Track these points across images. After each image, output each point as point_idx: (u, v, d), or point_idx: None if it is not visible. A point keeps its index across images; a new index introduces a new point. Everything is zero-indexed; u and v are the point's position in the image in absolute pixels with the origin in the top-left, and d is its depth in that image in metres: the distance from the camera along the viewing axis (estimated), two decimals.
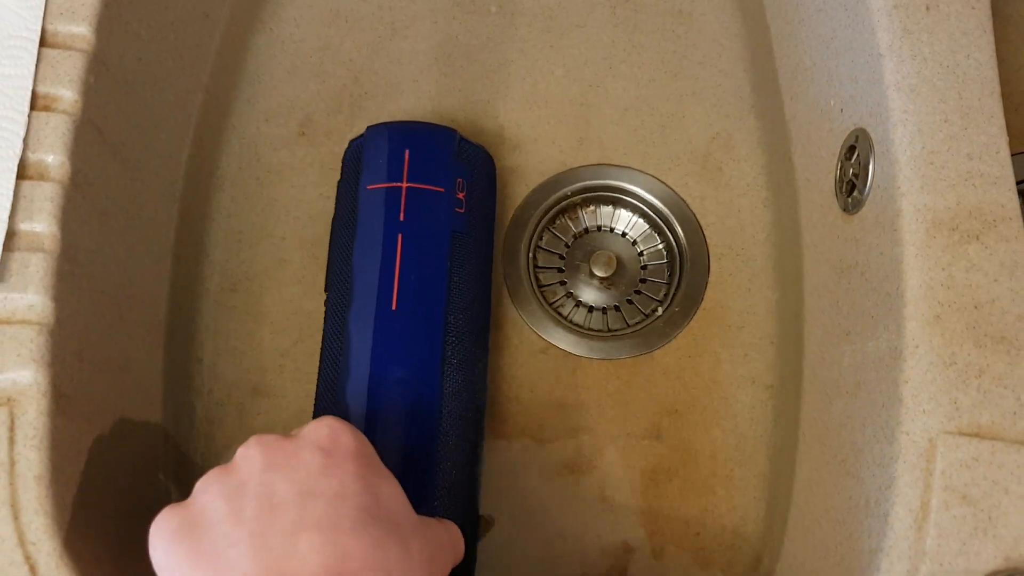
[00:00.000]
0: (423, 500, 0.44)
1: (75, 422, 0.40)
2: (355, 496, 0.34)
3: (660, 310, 0.57)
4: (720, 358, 0.56)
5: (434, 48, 0.62)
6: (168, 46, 0.52)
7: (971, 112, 0.43)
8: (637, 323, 0.57)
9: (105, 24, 0.45)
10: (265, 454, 0.34)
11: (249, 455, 0.35)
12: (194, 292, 0.55)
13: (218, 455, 0.53)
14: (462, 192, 0.50)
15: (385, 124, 0.53)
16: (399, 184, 0.50)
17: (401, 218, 0.49)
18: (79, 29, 0.44)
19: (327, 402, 0.47)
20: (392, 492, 0.36)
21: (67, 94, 0.43)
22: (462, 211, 0.50)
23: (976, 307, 0.40)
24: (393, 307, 0.47)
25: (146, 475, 0.48)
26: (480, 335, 0.50)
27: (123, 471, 0.45)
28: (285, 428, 0.54)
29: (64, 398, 0.39)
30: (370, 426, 0.46)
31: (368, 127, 0.53)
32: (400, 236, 0.49)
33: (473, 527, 0.47)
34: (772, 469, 0.53)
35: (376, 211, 0.49)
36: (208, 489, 0.34)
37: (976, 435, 0.38)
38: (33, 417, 0.38)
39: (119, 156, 0.46)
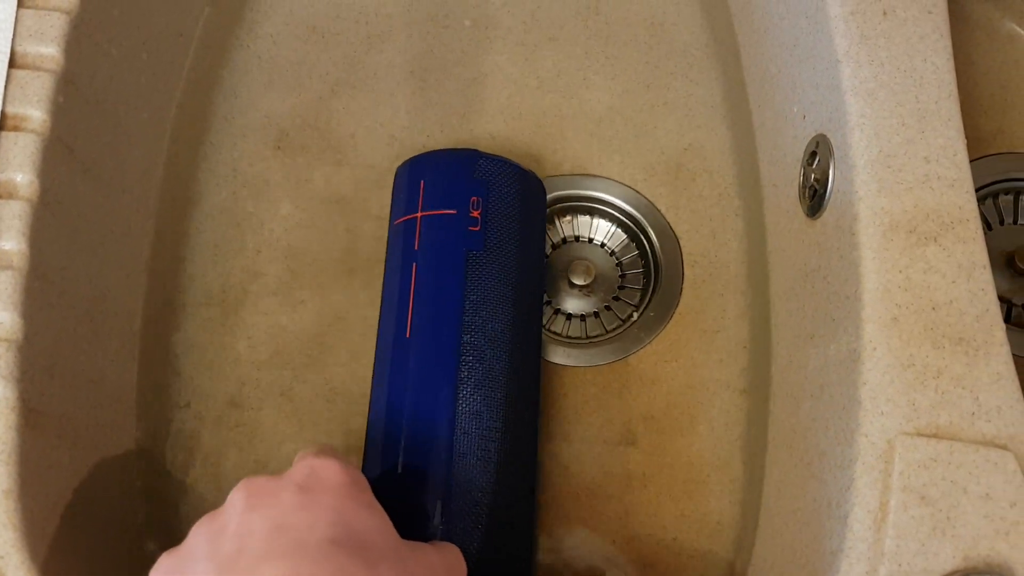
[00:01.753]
0: (432, 520, 0.44)
1: (45, 437, 0.41)
2: (326, 527, 0.34)
3: (635, 316, 0.58)
4: (694, 363, 0.56)
5: (409, 62, 0.63)
6: (140, 65, 0.52)
7: (928, 115, 0.43)
8: (613, 329, 0.58)
9: (74, 45, 0.46)
10: (247, 496, 0.36)
11: (235, 498, 0.36)
12: (170, 306, 0.56)
13: (196, 468, 0.53)
14: (477, 210, 0.51)
15: (410, 159, 0.55)
16: (415, 215, 0.51)
17: (416, 247, 0.50)
18: (48, 50, 0.45)
19: (369, 431, 0.49)
20: (369, 522, 0.36)
21: (36, 114, 0.43)
22: (476, 229, 0.50)
23: (934, 308, 0.40)
24: (407, 335, 0.49)
25: (121, 489, 0.48)
26: (512, 350, 0.49)
27: (97, 485, 0.45)
28: (263, 440, 0.54)
29: (34, 413, 0.40)
30: (387, 452, 0.47)
31: (399, 166, 0.55)
32: (415, 265, 0.50)
33: (512, 550, 0.46)
34: (745, 473, 0.53)
35: (397, 244, 0.52)
36: (197, 532, 0.36)
37: (934, 436, 0.38)
38: (2, 432, 0.38)
39: (91, 174, 0.47)
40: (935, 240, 0.41)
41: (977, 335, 0.39)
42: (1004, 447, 0.38)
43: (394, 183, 0.55)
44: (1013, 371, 0.39)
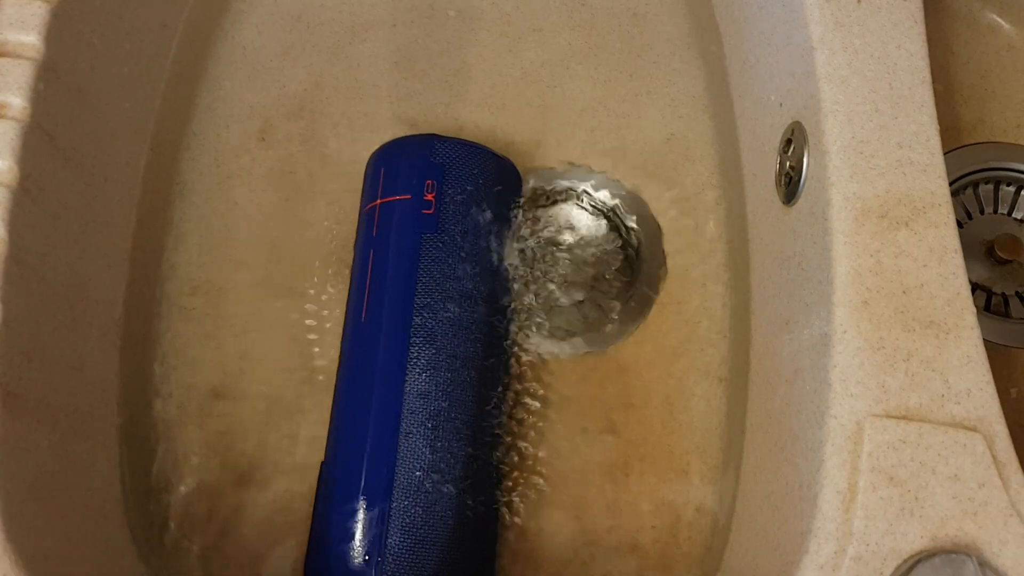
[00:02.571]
0: (377, 497, 0.45)
1: (23, 420, 0.41)
2: None
3: (617, 306, 0.58)
4: (675, 352, 0.56)
5: (394, 52, 0.63)
6: (123, 55, 0.53)
7: (901, 101, 0.43)
8: (594, 320, 0.58)
9: (55, 33, 0.46)
10: None
11: None
12: (152, 295, 0.56)
13: (178, 457, 0.54)
14: (431, 194, 0.51)
15: (377, 148, 0.55)
16: (375, 203, 0.52)
17: (374, 234, 0.51)
18: (28, 38, 0.45)
19: (332, 413, 0.50)
20: None
21: (15, 101, 0.44)
22: (430, 212, 0.51)
23: (905, 292, 0.40)
24: (363, 318, 0.50)
25: (103, 475, 0.48)
26: (467, 332, 0.50)
27: (77, 471, 0.45)
28: (245, 429, 0.55)
29: (11, 396, 0.40)
30: (340, 433, 0.48)
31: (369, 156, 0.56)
32: (372, 251, 0.51)
33: (460, 530, 0.47)
34: (723, 460, 0.53)
35: (360, 233, 0.53)
36: None
37: (904, 417, 0.38)
38: None
39: (72, 162, 0.47)
40: (907, 225, 0.41)
41: (948, 318, 0.40)
42: (973, 429, 0.38)
43: (364, 174, 0.55)
44: (983, 354, 0.39)
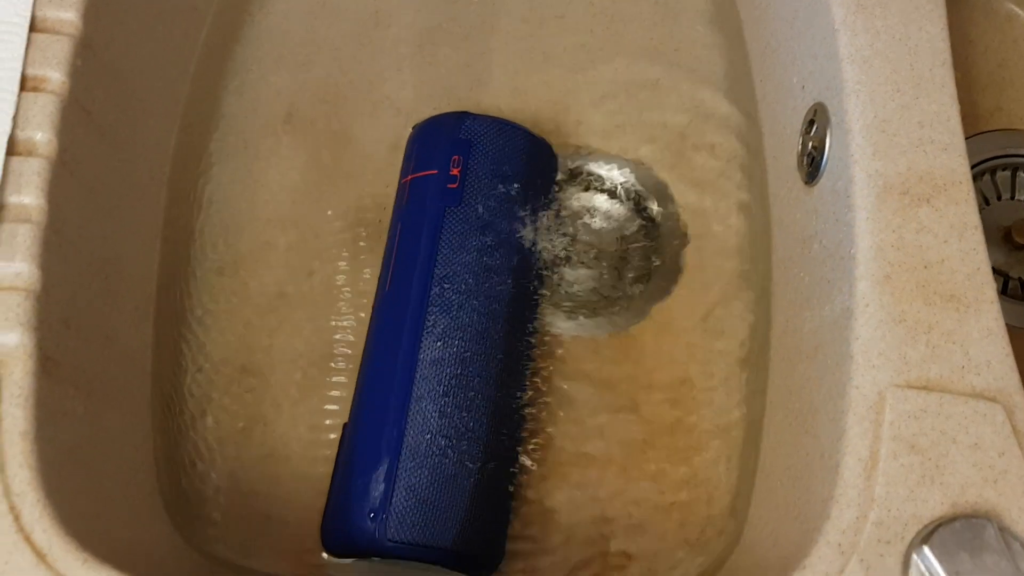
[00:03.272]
0: (387, 457, 0.47)
1: (61, 385, 0.42)
2: None
3: (638, 288, 0.59)
4: (696, 334, 0.57)
5: (417, 37, 0.64)
6: (156, 35, 0.54)
7: (922, 82, 0.44)
8: (616, 301, 0.59)
9: (92, 11, 0.47)
10: None
11: None
12: (182, 273, 0.57)
13: (207, 430, 0.54)
14: (456, 168, 0.52)
15: (416, 125, 0.57)
16: (407, 178, 0.54)
17: (404, 207, 0.54)
18: (67, 15, 0.46)
19: (357, 379, 0.52)
20: None
21: (55, 75, 0.45)
22: (455, 186, 0.52)
23: (926, 267, 0.41)
24: (387, 288, 0.52)
25: (134, 444, 0.49)
26: (485, 303, 0.51)
27: (110, 436, 0.46)
28: (273, 404, 0.55)
29: (50, 361, 0.41)
30: (359, 396, 0.50)
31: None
32: (400, 224, 0.53)
33: (469, 498, 0.48)
34: (744, 438, 0.54)
35: (394, 209, 0.55)
36: None
37: (925, 388, 0.39)
38: (19, 377, 0.40)
39: (107, 137, 0.48)
40: (928, 201, 0.42)
41: (968, 292, 0.40)
42: (993, 399, 0.39)
43: (404, 149, 0.57)
44: (1003, 327, 0.40)
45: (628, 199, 0.61)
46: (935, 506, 0.37)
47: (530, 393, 0.54)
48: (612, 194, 0.61)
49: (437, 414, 0.48)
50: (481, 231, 0.52)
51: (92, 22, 0.47)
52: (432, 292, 0.50)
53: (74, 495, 0.41)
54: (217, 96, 0.61)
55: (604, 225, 0.61)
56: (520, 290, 0.53)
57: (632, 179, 0.61)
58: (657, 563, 0.52)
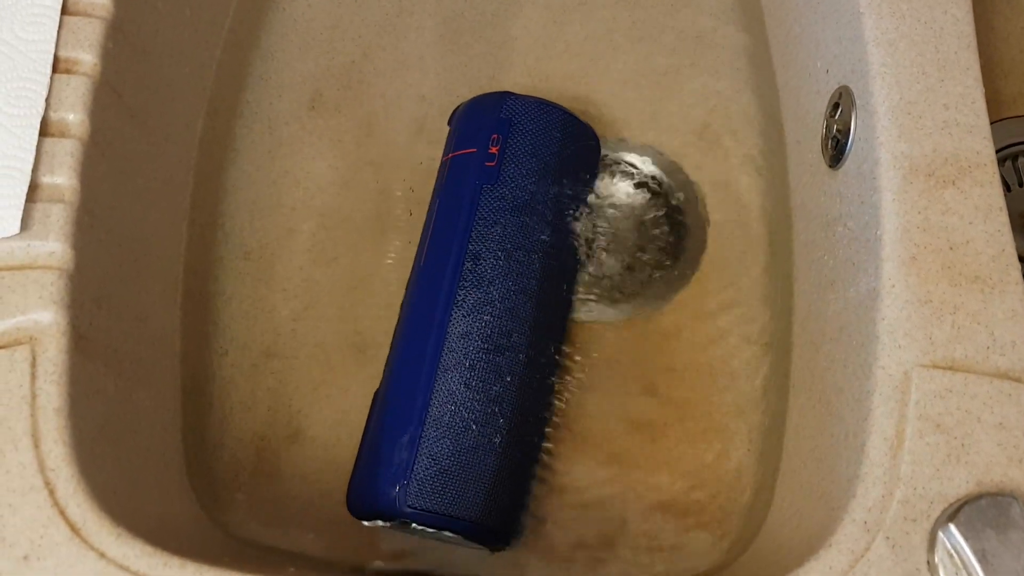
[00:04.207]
0: (411, 425, 0.48)
1: (93, 363, 0.43)
2: None
3: (659, 274, 0.59)
4: (717, 319, 0.57)
5: (440, 25, 0.64)
6: (184, 20, 0.54)
7: (947, 64, 0.44)
8: (637, 287, 0.59)
9: None
10: None
11: None
12: (209, 257, 0.57)
13: (234, 413, 0.55)
14: (495, 147, 0.53)
15: (459, 104, 0.58)
16: (448, 156, 0.56)
17: (443, 184, 0.55)
18: None
19: (390, 349, 0.53)
20: None
21: (87, 58, 0.45)
22: (492, 164, 0.53)
23: (951, 248, 0.41)
24: (422, 262, 0.53)
25: (163, 423, 0.50)
26: (515, 281, 0.51)
27: (141, 414, 0.47)
28: (297, 387, 0.56)
29: (83, 339, 0.42)
30: (390, 365, 0.52)
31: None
32: (438, 200, 0.54)
33: (490, 471, 0.48)
34: (765, 422, 0.54)
35: (435, 186, 0.56)
36: None
37: (950, 368, 0.39)
38: (53, 355, 0.40)
39: (137, 120, 0.49)
40: (953, 183, 0.42)
41: (993, 274, 0.41)
42: (1018, 380, 0.39)
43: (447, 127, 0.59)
44: None
45: (649, 185, 0.61)
46: (960, 484, 0.38)
47: (557, 372, 0.55)
48: (633, 180, 0.61)
49: (463, 386, 0.48)
50: (515, 210, 0.52)
51: (123, 5, 0.47)
52: (464, 267, 0.51)
53: (107, 471, 0.41)
54: (242, 82, 0.62)
55: (626, 212, 0.61)
56: (553, 270, 0.54)
57: (654, 166, 0.61)
58: (680, 545, 0.52)
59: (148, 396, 0.48)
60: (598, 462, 0.54)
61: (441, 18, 0.65)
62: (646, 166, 0.61)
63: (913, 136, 0.43)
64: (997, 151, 0.57)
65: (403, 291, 0.57)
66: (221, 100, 0.59)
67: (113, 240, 0.46)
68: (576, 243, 0.56)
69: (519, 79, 0.63)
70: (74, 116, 0.44)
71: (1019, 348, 0.39)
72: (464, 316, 0.50)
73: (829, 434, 0.43)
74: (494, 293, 0.50)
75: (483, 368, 0.49)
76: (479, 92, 0.63)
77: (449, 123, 0.58)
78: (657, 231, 0.60)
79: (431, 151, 0.61)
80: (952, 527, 0.36)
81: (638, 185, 0.61)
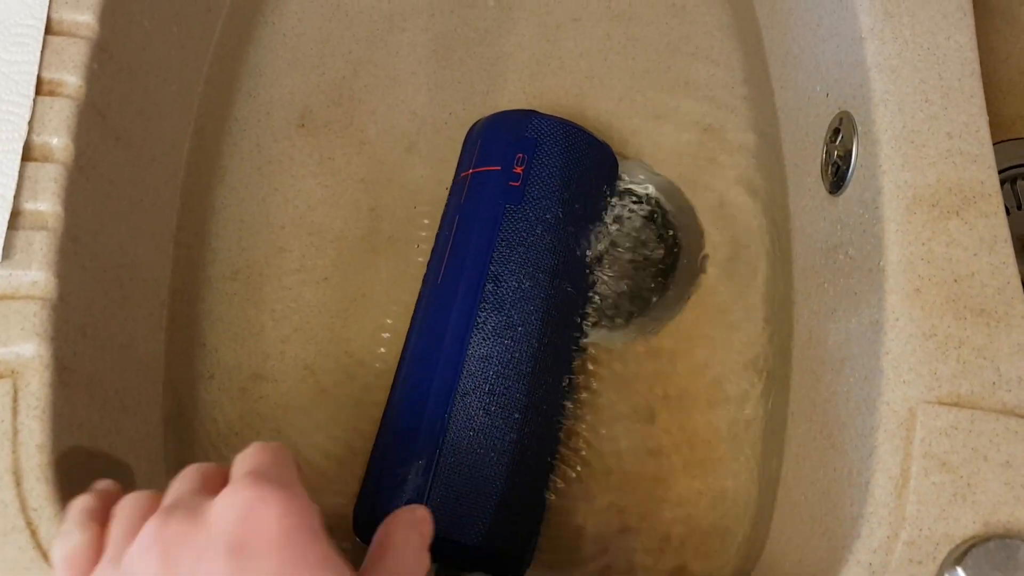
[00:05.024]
0: (427, 449, 0.46)
1: (77, 395, 0.41)
2: None
3: (655, 297, 0.58)
4: (714, 343, 0.56)
5: (432, 41, 0.63)
6: (171, 37, 0.53)
7: (951, 92, 0.43)
8: (632, 310, 0.58)
9: (109, 13, 0.46)
10: (161, 554, 0.28)
11: (144, 547, 0.29)
12: (195, 278, 0.56)
13: (220, 438, 0.54)
14: (520, 167, 0.52)
15: (478, 120, 0.57)
16: (468, 172, 0.54)
17: (462, 201, 0.53)
18: (83, 17, 0.45)
19: (397, 368, 0.52)
20: None
21: (71, 79, 0.44)
22: (517, 184, 0.52)
23: (956, 281, 0.40)
24: (439, 281, 0.51)
25: (148, 452, 0.49)
26: (537, 305, 0.50)
27: (125, 446, 0.46)
28: (286, 411, 0.55)
29: (67, 371, 0.41)
30: (402, 385, 0.50)
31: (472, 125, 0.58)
32: (457, 218, 0.53)
33: (506, 497, 0.47)
34: (763, 450, 0.53)
35: (451, 200, 0.55)
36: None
37: (956, 404, 0.39)
38: (36, 388, 0.39)
39: (122, 141, 0.48)
40: (957, 214, 0.41)
41: (998, 307, 0.40)
42: None
43: (463, 143, 0.58)
44: None
45: (645, 206, 0.60)
46: (967, 525, 0.37)
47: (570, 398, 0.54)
48: (627, 201, 0.61)
49: (482, 411, 0.47)
50: (539, 232, 0.51)
51: (108, 24, 0.46)
52: (485, 289, 0.49)
53: None
54: (230, 99, 0.60)
55: (622, 232, 0.60)
56: (571, 296, 0.53)
57: (649, 186, 0.60)
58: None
59: (133, 425, 0.47)
60: (595, 493, 0.53)
61: (433, 34, 0.64)
62: (641, 186, 0.60)
63: (916, 165, 0.42)
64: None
65: (397, 310, 0.57)
66: (208, 117, 0.58)
67: (98, 266, 0.45)
68: (589, 268, 0.55)
69: (513, 96, 0.62)
70: (58, 140, 0.43)
71: None
72: (484, 339, 0.48)
73: (831, 468, 0.43)
74: (515, 317, 0.49)
75: (502, 394, 0.48)
76: (472, 109, 0.62)
77: (467, 137, 0.57)
78: (653, 253, 0.60)
79: (423, 168, 0.61)
80: (959, 570, 0.35)
81: (633, 204, 0.60)
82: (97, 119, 0.45)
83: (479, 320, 0.48)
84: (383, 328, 0.57)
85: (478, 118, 0.60)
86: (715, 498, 0.53)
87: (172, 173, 0.54)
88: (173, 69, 0.53)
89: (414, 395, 0.49)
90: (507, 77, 0.63)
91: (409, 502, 0.45)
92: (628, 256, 0.59)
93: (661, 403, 0.55)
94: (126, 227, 0.48)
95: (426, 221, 0.59)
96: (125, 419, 0.46)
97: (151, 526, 0.29)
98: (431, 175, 0.60)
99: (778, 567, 0.46)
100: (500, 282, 0.49)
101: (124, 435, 0.46)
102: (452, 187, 0.56)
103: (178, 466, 0.51)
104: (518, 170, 0.51)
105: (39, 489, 0.38)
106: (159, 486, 0.49)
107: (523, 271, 0.50)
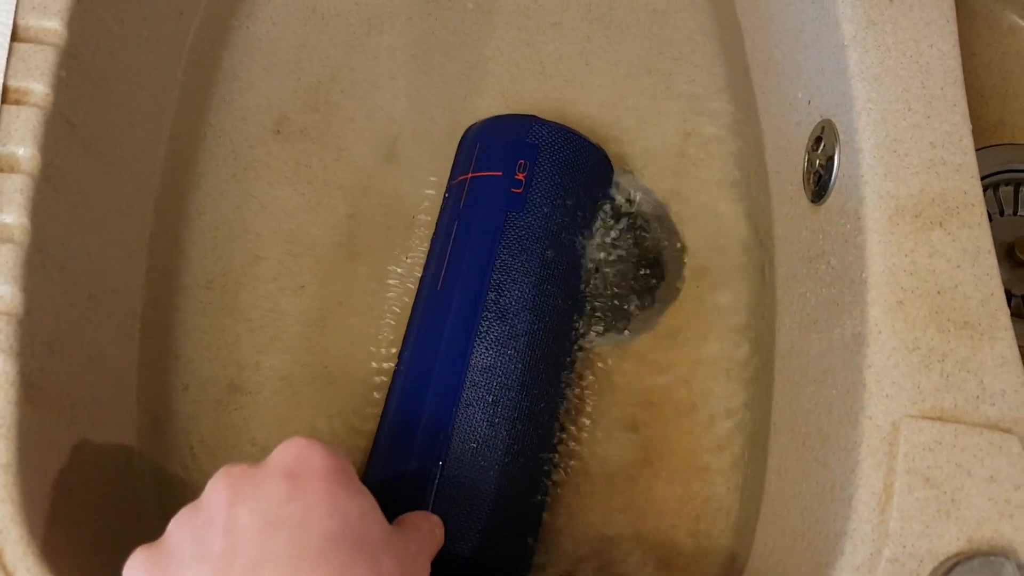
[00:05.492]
0: (431, 462, 0.45)
1: (45, 412, 0.40)
2: (320, 520, 0.33)
3: (636, 304, 0.57)
4: (695, 352, 0.56)
5: (411, 45, 0.63)
6: (142, 42, 0.52)
7: (934, 101, 0.43)
8: (614, 318, 0.57)
9: (77, 19, 0.45)
10: (231, 487, 0.34)
11: (216, 489, 0.35)
12: (169, 288, 0.55)
13: (196, 450, 0.53)
14: (522, 173, 0.51)
15: (479, 122, 0.56)
16: (466, 176, 0.53)
17: (461, 206, 0.52)
18: (51, 23, 0.44)
19: (393, 378, 0.52)
20: (363, 509, 0.35)
21: (38, 87, 0.43)
22: (519, 191, 0.51)
23: (939, 292, 0.40)
24: (439, 287, 0.50)
25: (120, 469, 0.48)
26: (539, 314, 0.49)
27: (97, 463, 0.45)
28: (262, 423, 0.54)
29: (34, 388, 0.40)
30: (401, 396, 0.49)
31: (467, 128, 0.57)
32: (456, 223, 0.52)
33: (508, 507, 0.46)
34: (746, 460, 0.53)
35: (447, 205, 0.54)
36: (179, 528, 0.34)
37: (939, 418, 0.38)
38: (1, 407, 0.38)
39: (92, 150, 0.47)
40: (940, 225, 0.41)
41: (982, 319, 0.40)
42: (1008, 431, 0.38)
43: (458, 146, 0.57)
44: (1017, 355, 0.39)
45: (626, 212, 0.60)
46: (951, 542, 0.36)
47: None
48: (608, 207, 0.60)
49: (485, 423, 0.46)
50: (541, 240, 0.50)
51: (77, 30, 0.45)
52: (488, 297, 0.48)
53: (59, 529, 0.39)
54: (205, 105, 0.59)
55: (602, 240, 0.59)
56: (570, 305, 0.52)
57: (630, 191, 0.59)
58: None
59: (104, 440, 0.46)
60: (577, 504, 0.53)
61: (412, 38, 0.63)
62: (622, 191, 0.59)
63: (899, 175, 0.42)
64: None
65: (376, 319, 0.56)
66: (183, 124, 0.57)
67: (67, 278, 0.44)
68: (584, 277, 0.55)
69: (493, 101, 0.61)
70: (24, 150, 0.42)
71: (1009, 397, 0.38)
72: (487, 349, 0.47)
73: (814, 481, 0.42)
74: (519, 327, 0.48)
75: (506, 405, 0.47)
76: (452, 114, 0.61)
77: (463, 141, 0.56)
78: (633, 260, 0.59)
79: (402, 174, 0.60)
80: None
81: (613, 210, 0.60)
82: (65, 128, 0.44)
83: (482, 329, 0.48)
84: (362, 337, 0.56)
85: (457, 124, 0.60)
86: (698, 508, 0.53)
87: (145, 181, 0.53)
88: (145, 75, 0.52)
89: (413, 407, 0.48)
90: (487, 81, 0.62)
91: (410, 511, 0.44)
92: (609, 265, 0.59)
93: (643, 412, 0.54)
94: (97, 237, 0.47)
95: (406, 228, 0.58)
96: (96, 434, 0.45)
97: (218, 473, 0.35)
98: (410, 181, 0.59)
99: None
100: (503, 291, 0.49)
101: (95, 451, 0.45)
102: (448, 191, 0.55)
103: (153, 481, 0.51)
104: (520, 176, 0.51)
105: (4, 511, 0.37)
106: (133, 501, 0.49)
107: (526, 280, 0.49)
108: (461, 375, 0.47)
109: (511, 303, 0.48)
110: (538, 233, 0.50)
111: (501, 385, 0.47)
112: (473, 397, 0.46)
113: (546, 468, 0.50)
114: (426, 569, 0.39)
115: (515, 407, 0.47)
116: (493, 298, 0.48)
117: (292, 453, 0.35)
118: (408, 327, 0.52)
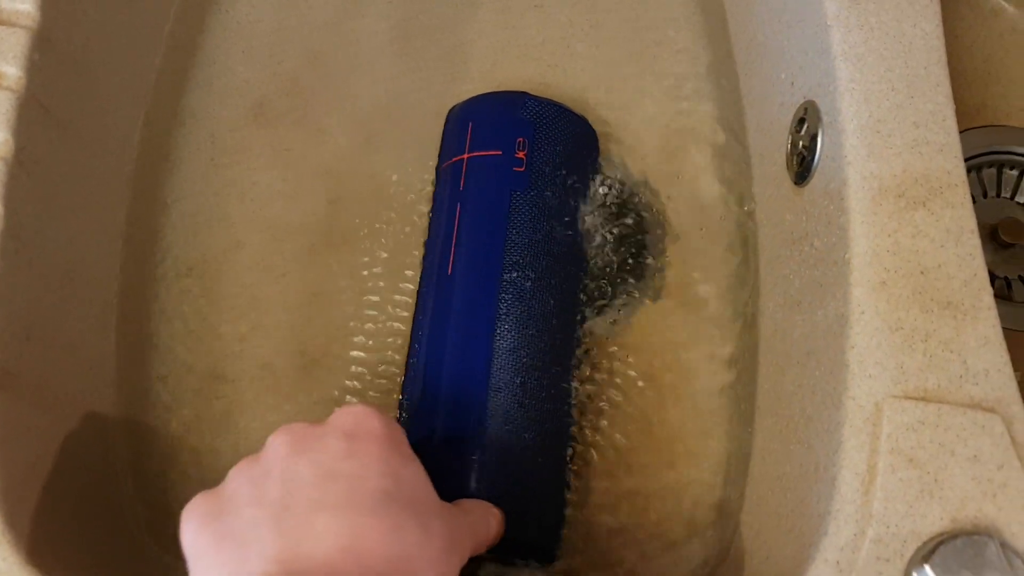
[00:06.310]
0: (467, 450, 0.45)
1: (21, 402, 0.40)
2: (376, 477, 0.34)
3: (621, 288, 0.57)
4: (679, 336, 0.56)
5: (391, 28, 0.62)
6: (119, 26, 0.51)
7: (917, 81, 0.43)
8: (597, 303, 0.57)
9: (51, 1, 0.45)
10: (291, 441, 0.35)
11: (276, 442, 0.36)
12: (147, 275, 0.55)
13: (176, 439, 0.52)
14: (522, 151, 0.51)
15: (461, 102, 0.55)
16: (462, 156, 0.52)
17: (461, 188, 0.51)
18: (23, 6, 0.44)
19: (408, 366, 0.50)
20: (415, 475, 0.36)
21: (11, 71, 0.42)
22: (522, 169, 0.50)
23: (922, 273, 0.40)
24: (449, 272, 0.49)
25: (101, 457, 0.47)
26: (553, 291, 0.49)
27: (76, 452, 0.44)
28: (243, 411, 0.54)
29: (8, 376, 0.39)
30: (425, 385, 0.48)
31: (449, 110, 0.56)
32: (459, 205, 0.51)
33: (542, 487, 0.47)
34: (730, 443, 0.53)
35: (444, 187, 0.53)
36: (237, 476, 0.35)
37: (922, 399, 0.38)
38: None
39: (67, 134, 0.46)
40: (924, 205, 0.41)
41: (965, 299, 0.39)
42: (992, 410, 0.38)
43: (444, 127, 0.56)
44: (1000, 335, 0.39)
45: (611, 195, 0.59)
46: (934, 522, 0.36)
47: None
48: (595, 191, 0.59)
49: (516, 405, 0.46)
50: (548, 217, 0.50)
51: (51, 13, 0.45)
52: (504, 278, 0.48)
53: (36, 519, 0.39)
54: (183, 89, 0.59)
55: (588, 223, 0.59)
56: (576, 280, 0.52)
57: (615, 175, 0.59)
58: (641, 572, 0.51)
59: (81, 429, 0.45)
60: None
61: (393, 21, 0.62)
62: (607, 174, 0.59)
63: (882, 155, 0.41)
64: None
65: (358, 306, 0.55)
66: (160, 109, 0.56)
67: (42, 265, 0.43)
68: (584, 252, 0.54)
69: (475, 84, 0.61)
70: None
71: (992, 377, 0.38)
72: (509, 331, 0.47)
73: (797, 463, 0.42)
74: (536, 306, 0.48)
75: (533, 386, 0.47)
76: (433, 98, 0.60)
77: (449, 121, 0.56)
78: (616, 243, 0.59)
79: (383, 159, 0.59)
80: (927, 568, 0.35)
81: (599, 194, 0.59)
82: (39, 112, 0.44)
83: (501, 312, 0.47)
84: (343, 324, 0.56)
85: (439, 108, 0.59)
86: (681, 491, 0.52)
87: (121, 166, 0.52)
88: (122, 58, 0.52)
89: (438, 396, 0.47)
90: (469, 65, 0.61)
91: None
92: (592, 248, 0.58)
93: (627, 393, 0.54)
94: (72, 223, 0.46)
95: (389, 213, 0.58)
96: (73, 423, 0.45)
97: (279, 429, 0.36)
98: (393, 166, 0.59)
99: (747, 562, 0.45)
100: (518, 271, 0.48)
101: (72, 440, 0.44)
102: (441, 173, 0.54)
103: (132, 469, 0.50)
104: (520, 155, 0.50)
105: None
106: (113, 491, 0.48)
107: (538, 258, 0.49)
108: (488, 359, 0.46)
109: (527, 283, 0.48)
110: (544, 210, 0.50)
111: (527, 366, 0.47)
112: (501, 381, 0.46)
113: (570, 445, 0.51)
114: (468, 552, 0.39)
115: (541, 386, 0.47)
116: (508, 279, 0.48)
117: (351, 417, 0.37)
118: (417, 316, 0.51)
